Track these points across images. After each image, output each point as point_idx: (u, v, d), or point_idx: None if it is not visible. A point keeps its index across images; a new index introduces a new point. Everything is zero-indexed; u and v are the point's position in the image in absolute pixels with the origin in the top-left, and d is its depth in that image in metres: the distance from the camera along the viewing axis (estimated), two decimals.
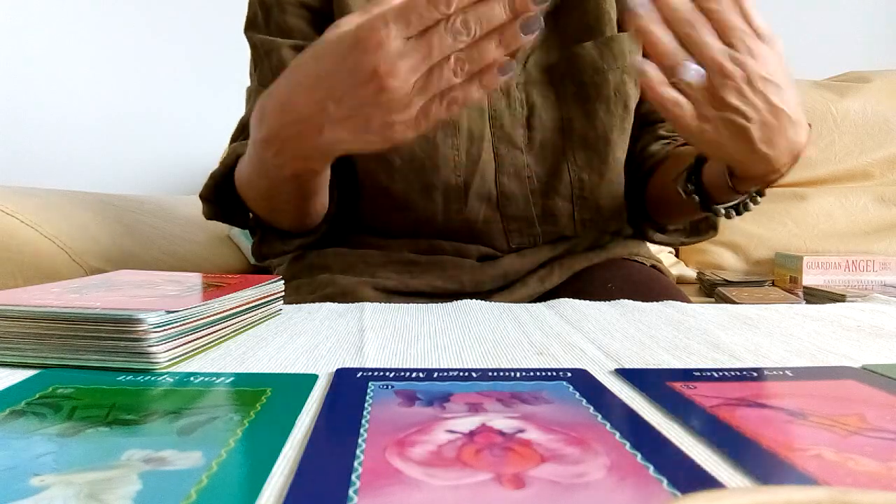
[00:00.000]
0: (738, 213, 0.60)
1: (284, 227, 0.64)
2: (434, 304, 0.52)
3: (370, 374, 0.31)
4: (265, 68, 0.65)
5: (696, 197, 0.59)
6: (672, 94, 0.46)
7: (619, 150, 0.67)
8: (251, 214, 0.65)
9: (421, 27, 0.38)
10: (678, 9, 0.44)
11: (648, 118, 0.72)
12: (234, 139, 0.68)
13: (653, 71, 0.46)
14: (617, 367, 0.33)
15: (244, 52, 0.69)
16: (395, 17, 0.38)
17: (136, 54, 1.66)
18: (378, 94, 0.40)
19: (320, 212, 0.63)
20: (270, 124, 0.47)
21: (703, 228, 0.73)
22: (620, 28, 0.65)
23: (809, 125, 0.50)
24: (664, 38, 0.45)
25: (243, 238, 1.28)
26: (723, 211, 0.59)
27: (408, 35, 0.39)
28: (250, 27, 0.67)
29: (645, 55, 0.47)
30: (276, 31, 0.65)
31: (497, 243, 0.67)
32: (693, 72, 0.44)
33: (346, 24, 0.41)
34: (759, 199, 0.59)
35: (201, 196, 0.63)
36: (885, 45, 1.83)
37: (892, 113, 1.45)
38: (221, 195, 0.63)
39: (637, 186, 0.72)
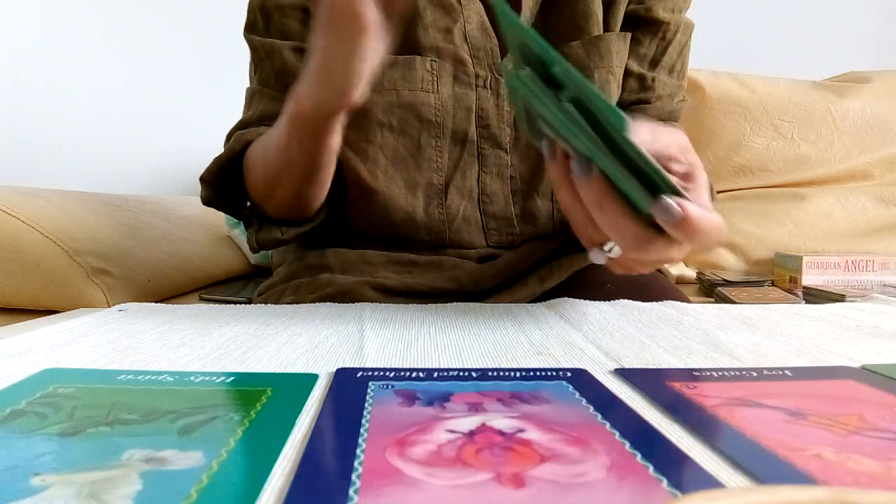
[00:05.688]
0: None
1: (283, 214, 0.65)
2: (434, 305, 0.52)
3: (370, 373, 0.31)
4: (266, 68, 0.66)
5: None
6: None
7: None
8: (248, 203, 0.65)
9: None
10: None
11: None
12: (229, 138, 0.68)
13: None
14: (617, 367, 0.33)
15: (244, 52, 0.70)
16: None
17: (137, 54, 1.66)
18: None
19: (320, 197, 0.64)
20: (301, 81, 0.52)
21: None
22: (606, 28, 0.65)
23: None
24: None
25: (244, 238, 1.27)
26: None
27: None
28: (250, 30, 0.68)
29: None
30: (277, 34, 0.66)
31: (475, 241, 0.67)
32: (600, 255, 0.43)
33: None
34: None
35: (203, 178, 0.64)
36: (885, 45, 1.83)
37: (892, 113, 1.45)
38: (223, 181, 0.64)
39: None
